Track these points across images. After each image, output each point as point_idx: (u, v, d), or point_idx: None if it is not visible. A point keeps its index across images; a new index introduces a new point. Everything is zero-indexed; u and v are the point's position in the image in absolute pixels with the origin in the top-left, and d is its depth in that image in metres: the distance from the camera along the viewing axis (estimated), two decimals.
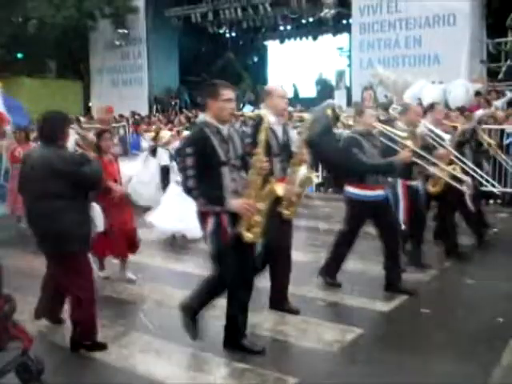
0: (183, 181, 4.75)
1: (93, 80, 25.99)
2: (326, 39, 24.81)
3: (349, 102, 18.06)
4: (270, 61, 27.96)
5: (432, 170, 7.00)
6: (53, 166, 4.75)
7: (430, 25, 17.86)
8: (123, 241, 6.97)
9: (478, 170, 7.82)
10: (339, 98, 18.38)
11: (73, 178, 4.81)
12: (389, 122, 13.52)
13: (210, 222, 4.73)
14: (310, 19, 23.20)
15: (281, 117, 5.70)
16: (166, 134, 12.51)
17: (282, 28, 25.34)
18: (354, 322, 5.68)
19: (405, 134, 6.48)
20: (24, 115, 11.85)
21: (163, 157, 12.46)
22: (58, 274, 5.13)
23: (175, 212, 8.82)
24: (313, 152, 5.88)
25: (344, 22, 22.15)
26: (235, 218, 4.74)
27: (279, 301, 5.95)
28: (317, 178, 13.56)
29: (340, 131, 11.98)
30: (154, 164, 12.68)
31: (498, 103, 14.14)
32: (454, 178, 7.21)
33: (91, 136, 7.05)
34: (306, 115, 5.77)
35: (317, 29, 24.27)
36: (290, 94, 24.22)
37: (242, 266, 4.84)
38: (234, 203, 4.69)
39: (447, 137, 7.34)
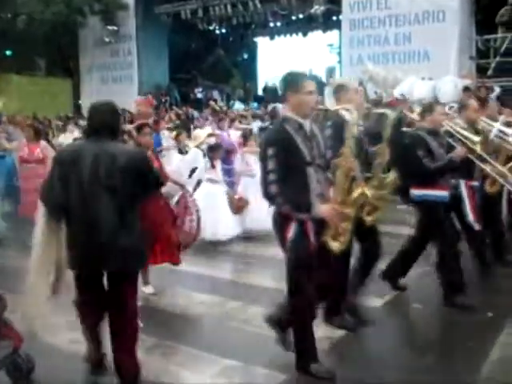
0: (264, 186, 4.26)
1: (82, 78, 25.88)
2: (316, 36, 24.84)
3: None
4: (260, 57, 28.00)
5: (489, 169, 6.52)
6: (122, 164, 4.00)
7: (419, 21, 17.86)
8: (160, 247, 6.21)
9: None
10: (329, 95, 18.39)
11: (144, 178, 4.17)
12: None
13: (292, 228, 4.29)
14: (300, 16, 23.20)
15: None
16: (201, 133, 11.41)
17: (271, 24, 25.33)
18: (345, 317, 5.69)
19: (477, 139, 6.06)
20: None
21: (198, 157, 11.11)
22: (116, 299, 4.22)
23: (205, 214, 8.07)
24: (393, 152, 5.23)
25: (334, 18, 22.16)
26: (320, 225, 4.32)
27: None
28: None
29: None
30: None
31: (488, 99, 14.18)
32: None
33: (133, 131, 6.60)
34: (389, 111, 5.10)
35: (307, 25, 24.28)
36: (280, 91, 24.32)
37: (320, 279, 4.40)
38: (322, 209, 4.27)
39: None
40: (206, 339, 5.34)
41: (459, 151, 5.89)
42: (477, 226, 6.47)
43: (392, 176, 4.90)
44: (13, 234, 9.01)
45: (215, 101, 22.41)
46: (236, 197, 9.33)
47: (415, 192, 5.99)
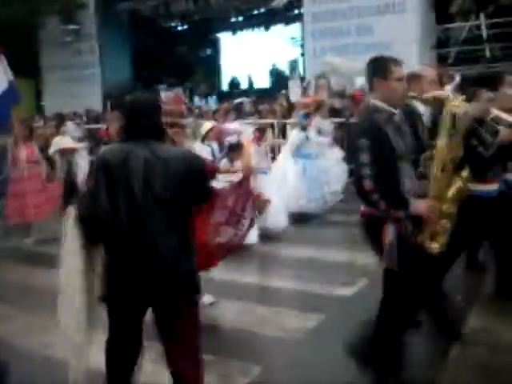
0: (357, 182, 3.88)
1: (44, 78, 25.51)
2: (279, 29, 24.86)
3: (303, 91, 18.14)
4: (223, 53, 27.91)
5: None
6: (178, 171, 3.40)
7: (380, 12, 17.98)
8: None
9: None
10: (293, 88, 18.46)
11: (200, 186, 3.62)
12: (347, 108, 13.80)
13: (389, 230, 3.88)
14: (262, 9, 23.21)
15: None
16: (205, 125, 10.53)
17: (233, 19, 25.30)
18: (317, 308, 5.74)
19: None
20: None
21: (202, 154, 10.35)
22: (176, 334, 3.53)
23: None
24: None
25: (295, 11, 22.19)
26: (417, 223, 3.91)
27: None
28: None
29: None
30: None
31: (449, 87, 14.37)
32: None
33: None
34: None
35: (268, 19, 24.29)
36: (245, 86, 24.30)
37: (421, 288, 4.01)
38: (419, 205, 3.84)
39: None
40: None
41: (505, 134, 5.15)
42: None
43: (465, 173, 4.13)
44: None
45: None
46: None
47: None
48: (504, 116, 5.33)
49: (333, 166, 10.60)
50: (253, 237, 7.99)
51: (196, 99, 22.77)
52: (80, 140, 13.61)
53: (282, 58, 23.43)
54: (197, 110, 17.40)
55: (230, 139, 9.37)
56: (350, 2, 18.53)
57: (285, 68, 23.02)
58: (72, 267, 3.50)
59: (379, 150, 3.79)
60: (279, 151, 11.63)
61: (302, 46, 21.36)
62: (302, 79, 19.85)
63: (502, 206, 5.34)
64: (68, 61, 24.23)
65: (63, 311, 3.57)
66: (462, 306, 5.51)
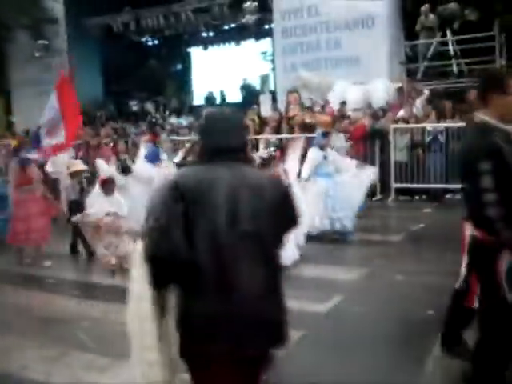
0: (478, 209, 3.59)
1: (14, 94, 25.33)
2: (249, 44, 24.99)
3: (274, 106, 18.29)
4: (194, 67, 27.95)
5: None
6: (270, 200, 2.91)
7: (349, 28, 18.20)
8: None
9: None
10: (264, 102, 18.59)
11: (289, 217, 3.12)
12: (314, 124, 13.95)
13: (503, 261, 3.59)
14: (233, 25, 23.35)
15: None
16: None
17: (204, 34, 25.39)
18: (294, 325, 5.77)
19: None
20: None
21: None
22: None
23: None
24: None
25: (266, 26, 22.36)
26: None
27: None
28: None
29: None
30: None
31: (418, 102, 14.64)
32: None
33: None
34: None
35: (239, 34, 24.41)
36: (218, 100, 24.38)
37: None
38: None
39: None
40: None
41: None
42: None
43: None
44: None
45: (149, 114, 22.34)
46: None
47: None
48: None
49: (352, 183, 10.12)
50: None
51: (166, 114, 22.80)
52: None
53: (253, 73, 23.54)
54: (168, 126, 17.43)
55: (261, 154, 9.38)
56: (319, 17, 18.72)
57: (256, 82, 23.12)
58: (140, 314, 2.95)
59: (503, 173, 3.50)
60: None
61: (273, 60, 21.50)
62: (273, 94, 20.02)
63: None
64: (38, 76, 24.07)
65: (138, 364, 3.06)
66: None
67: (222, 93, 24.85)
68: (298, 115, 14.97)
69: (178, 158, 11.75)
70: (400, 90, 15.52)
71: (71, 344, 5.62)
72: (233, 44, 25.48)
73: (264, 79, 22.21)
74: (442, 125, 12.97)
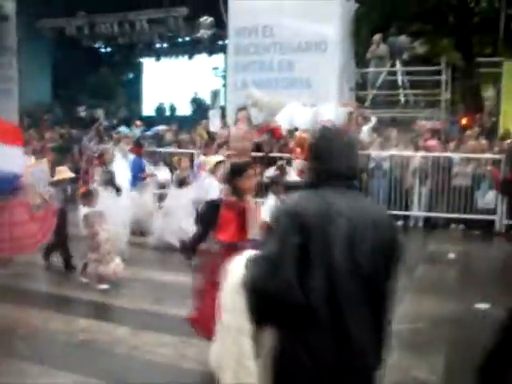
0: None
1: None
2: (202, 59, 25.07)
3: (223, 122, 18.34)
4: (145, 78, 27.86)
5: None
6: (386, 236, 2.58)
7: (302, 50, 18.43)
8: None
9: None
10: (213, 118, 18.61)
11: (398, 256, 2.67)
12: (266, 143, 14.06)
13: None
14: (187, 38, 23.39)
15: None
16: (211, 159, 10.11)
17: (158, 45, 25.36)
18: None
19: None
20: None
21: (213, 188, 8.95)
22: None
23: None
24: None
25: (220, 42, 22.48)
26: None
27: None
28: None
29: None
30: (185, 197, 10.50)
31: (365, 128, 14.92)
32: None
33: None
34: None
35: (192, 48, 24.48)
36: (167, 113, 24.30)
37: None
38: None
39: None
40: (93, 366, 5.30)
41: None
42: None
43: None
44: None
45: (97, 120, 22.07)
46: None
47: None
48: None
49: None
50: None
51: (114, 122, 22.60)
52: None
53: (203, 88, 23.59)
54: (115, 135, 17.22)
55: (270, 174, 9.43)
56: (273, 38, 18.89)
57: (206, 97, 23.18)
58: (240, 350, 2.74)
59: None
60: None
61: (224, 77, 21.60)
62: (223, 109, 20.08)
63: None
64: None
65: None
66: None
67: (171, 105, 24.81)
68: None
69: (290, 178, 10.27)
70: (350, 115, 15.79)
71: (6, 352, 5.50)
72: (186, 57, 25.51)
73: (215, 94, 22.23)
74: (387, 153, 13.25)
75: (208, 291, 4.72)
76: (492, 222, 12.41)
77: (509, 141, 12.97)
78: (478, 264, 9.87)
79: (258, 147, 14.18)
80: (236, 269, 2.69)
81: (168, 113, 24.48)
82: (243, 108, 17.11)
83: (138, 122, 19.84)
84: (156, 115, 24.47)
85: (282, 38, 18.66)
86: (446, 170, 12.63)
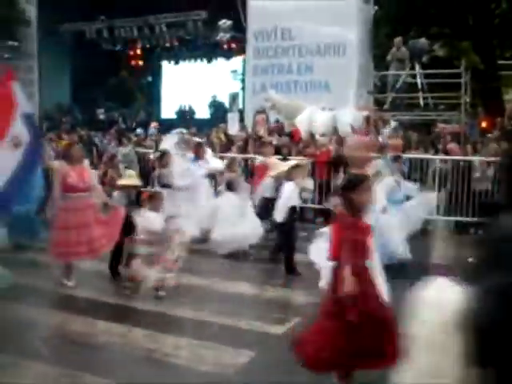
0: None
1: None
2: (220, 62, 25.13)
3: (241, 125, 18.38)
4: (164, 81, 27.96)
5: None
6: None
7: (321, 53, 18.44)
8: None
9: None
10: (232, 121, 18.65)
11: None
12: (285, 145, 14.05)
13: None
14: (206, 42, 23.44)
15: None
16: (280, 163, 9.98)
17: (177, 49, 25.44)
18: (249, 345, 5.82)
19: None
20: None
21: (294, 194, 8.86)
22: None
23: None
24: None
25: (239, 45, 22.51)
26: None
27: None
28: None
29: None
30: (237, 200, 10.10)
31: (386, 131, 14.86)
32: None
33: None
34: None
35: (211, 51, 24.54)
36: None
37: None
38: None
39: None
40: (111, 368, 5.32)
41: None
42: None
43: None
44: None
45: (116, 123, 22.21)
46: None
47: None
48: None
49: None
50: None
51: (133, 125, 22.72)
52: None
53: (222, 91, 23.63)
54: (135, 138, 17.30)
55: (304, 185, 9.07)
56: (292, 41, 18.93)
57: (225, 100, 23.22)
58: None
59: None
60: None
61: (243, 80, 21.63)
62: (241, 113, 20.12)
63: None
64: None
65: None
66: None
67: (190, 108, 24.87)
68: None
69: None
70: (367, 118, 15.73)
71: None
72: (204, 61, 25.58)
73: (233, 98, 22.27)
74: (407, 155, 13.17)
75: (328, 314, 4.54)
76: None
77: None
78: None
79: (276, 150, 14.15)
80: (440, 303, 2.46)
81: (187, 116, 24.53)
82: (262, 111, 17.19)
83: (154, 124, 19.93)
84: (177, 118, 24.52)
85: (301, 40, 18.69)
86: (466, 173, 12.52)
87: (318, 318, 4.68)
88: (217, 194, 10.77)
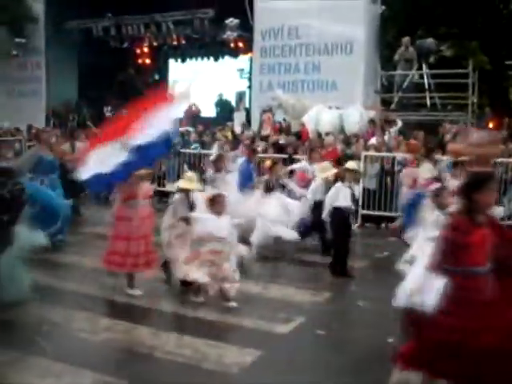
0: None
1: None
2: (227, 61, 25.08)
3: (248, 124, 18.38)
4: (171, 79, 27.90)
5: None
6: None
7: (328, 52, 18.42)
8: None
9: None
10: (238, 120, 18.66)
11: None
12: (291, 144, 14.05)
13: None
14: (213, 40, 23.38)
15: None
16: (326, 167, 9.77)
17: (184, 47, 25.38)
18: (254, 344, 5.82)
19: None
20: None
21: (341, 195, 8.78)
22: None
23: None
24: None
25: (246, 44, 22.45)
26: None
27: None
28: None
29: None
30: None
31: (392, 130, 14.84)
32: None
33: None
34: None
35: (218, 50, 24.48)
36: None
37: None
38: None
39: None
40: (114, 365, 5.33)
41: None
42: None
43: None
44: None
45: None
46: None
47: None
48: None
49: None
50: None
51: None
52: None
53: (229, 89, 23.60)
54: None
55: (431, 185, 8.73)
56: (299, 40, 18.92)
57: (232, 99, 23.18)
58: None
59: None
60: None
61: (250, 78, 21.61)
62: (248, 111, 20.11)
63: None
64: (13, 74, 23.87)
65: None
66: None
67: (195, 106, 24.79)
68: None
69: None
70: (373, 118, 15.71)
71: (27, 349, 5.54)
72: (211, 59, 25.53)
73: (240, 96, 22.28)
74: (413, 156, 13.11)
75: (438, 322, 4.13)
76: None
77: None
78: None
79: (280, 148, 14.17)
80: None
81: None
82: (268, 110, 17.21)
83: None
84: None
85: (308, 39, 18.69)
86: None
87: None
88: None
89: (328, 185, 9.27)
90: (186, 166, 14.12)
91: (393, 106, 16.98)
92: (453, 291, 4.04)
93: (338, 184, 8.72)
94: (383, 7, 18.55)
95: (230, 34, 21.19)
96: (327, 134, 15.08)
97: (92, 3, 21.56)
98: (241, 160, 11.48)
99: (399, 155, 13.21)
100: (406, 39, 16.90)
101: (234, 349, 5.66)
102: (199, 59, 25.98)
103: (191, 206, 7.60)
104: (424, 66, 16.77)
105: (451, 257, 4.11)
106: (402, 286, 4.53)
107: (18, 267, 6.26)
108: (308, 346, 6.07)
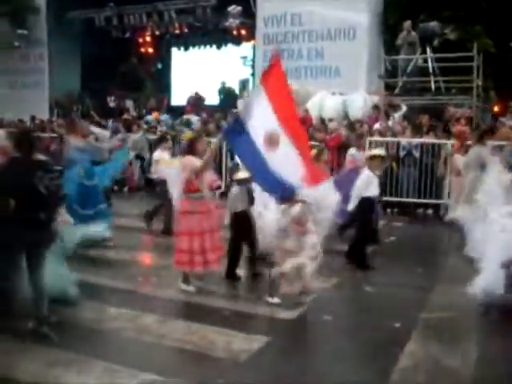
0: None
1: None
2: (230, 48, 25.01)
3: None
4: (174, 68, 27.86)
5: None
6: None
7: (331, 38, 18.37)
8: None
9: None
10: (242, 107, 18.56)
11: None
12: None
13: None
14: (215, 28, 23.30)
15: None
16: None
17: (186, 35, 25.31)
18: (261, 330, 5.82)
19: None
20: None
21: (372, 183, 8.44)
22: None
23: None
24: None
25: (249, 32, 22.37)
26: None
27: None
28: None
29: None
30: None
31: (396, 115, 14.80)
32: None
33: None
34: None
35: (221, 38, 24.41)
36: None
37: None
38: None
39: None
40: (122, 353, 5.33)
41: None
42: None
43: None
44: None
45: (127, 110, 22.18)
46: None
47: None
48: None
49: None
50: None
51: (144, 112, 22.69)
52: None
53: (232, 77, 23.54)
54: (145, 125, 17.30)
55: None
56: (301, 26, 18.85)
57: (235, 87, 23.13)
58: None
59: None
60: None
61: (253, 66, 21.54)
62: None
63: None
64: (15, 66, 23.86)
65: None
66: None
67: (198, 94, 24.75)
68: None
69: None
70: (377, 103, 15.65)
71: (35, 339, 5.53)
72: (214, 47, 25.47)
73: (243, 84, 22.23)
74: (417, 140, 13.09)
75: None
76: None
77: None
78: None
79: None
80: None
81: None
82: None
83: (155, 114, 20.09)
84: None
85: (311, 26, 18.63)
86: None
87: None
88: None
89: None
90: None
91: (397, 91, 16.87)
92: None
93: (367, 172, 8.39)
94: None
95: (232, 22, 21.12)
96: (330, 119, 15.06)
97: None
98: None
99: (404, 140, 13.18)
100: (407, 23, 16.77)
101: (242, 335, 5.65)
102: (202, 47, 25.94)
103: (251, 199, 7.42)
104: (428, 50, 16.64)
105: None
106: None
107: (61, 265, 6.25)
108: (315, 332, 6.07)
